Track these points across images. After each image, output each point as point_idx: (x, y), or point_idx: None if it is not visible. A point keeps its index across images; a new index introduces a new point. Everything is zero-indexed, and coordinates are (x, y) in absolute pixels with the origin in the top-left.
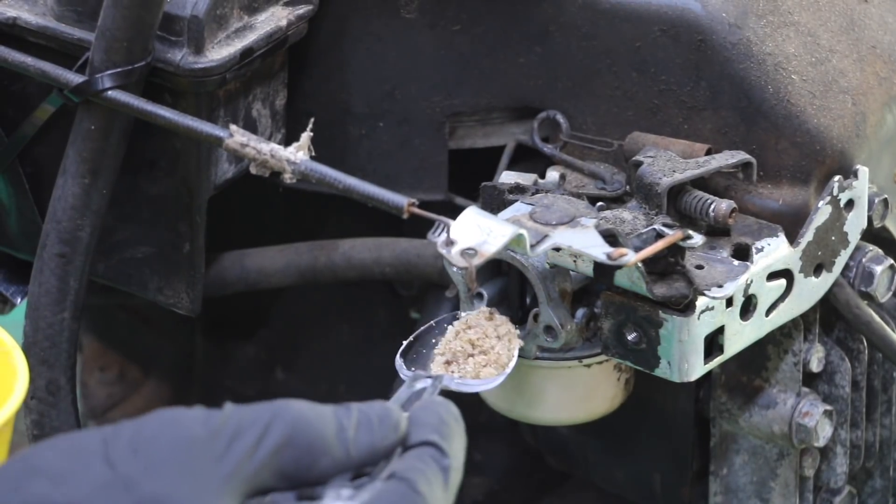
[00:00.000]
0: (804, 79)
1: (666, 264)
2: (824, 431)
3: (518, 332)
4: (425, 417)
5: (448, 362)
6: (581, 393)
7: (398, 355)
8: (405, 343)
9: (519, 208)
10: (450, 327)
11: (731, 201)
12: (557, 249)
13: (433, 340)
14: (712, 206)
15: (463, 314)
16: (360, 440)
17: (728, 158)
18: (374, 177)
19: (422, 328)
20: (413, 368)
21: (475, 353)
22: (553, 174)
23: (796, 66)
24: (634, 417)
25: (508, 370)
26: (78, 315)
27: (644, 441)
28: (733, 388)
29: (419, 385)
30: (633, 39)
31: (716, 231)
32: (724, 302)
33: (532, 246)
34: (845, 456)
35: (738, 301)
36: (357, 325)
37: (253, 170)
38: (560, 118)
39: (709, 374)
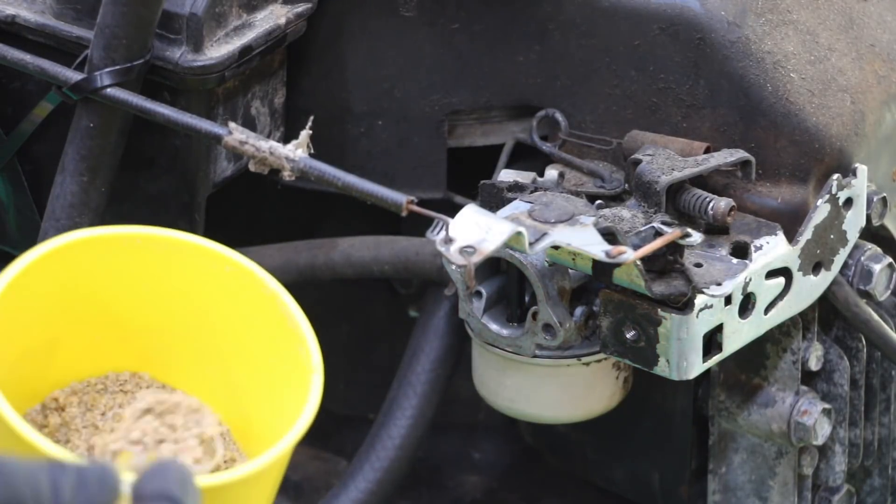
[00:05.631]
0: (803, 77)
1: (665, 262)
2: (823, 430)
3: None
4: (157, 475)
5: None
6: (580, 391)
7: None
8: None
9: (518, 206)
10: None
11: (730, 199)
12: (556, 247)
13: None
14: (711, 205)
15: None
16: (75, 501)
17: (727, 157)
18: (373, 175)
19: None
20: None
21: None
22: (552, 172)
23: (795, 65)
24: (633, 416)
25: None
26: None
27: (643, 439)
28: (732, 386)
29: None
30: (632, 38)
31: (714, 229)
32: (722, 300)
33: (531, 244)
34: (844, 454)
35: (737, 299)
36: (356, 324)
37: (252, 167)
38: (559, 116)
39: (707, 373)
